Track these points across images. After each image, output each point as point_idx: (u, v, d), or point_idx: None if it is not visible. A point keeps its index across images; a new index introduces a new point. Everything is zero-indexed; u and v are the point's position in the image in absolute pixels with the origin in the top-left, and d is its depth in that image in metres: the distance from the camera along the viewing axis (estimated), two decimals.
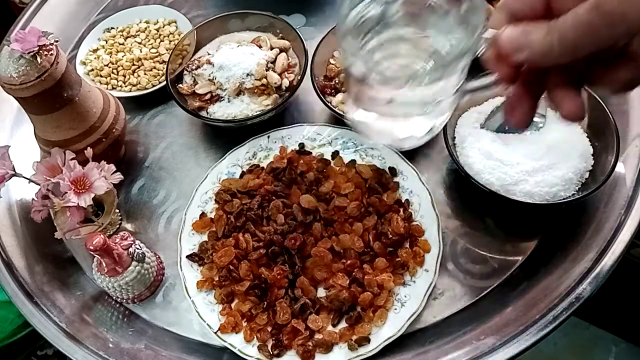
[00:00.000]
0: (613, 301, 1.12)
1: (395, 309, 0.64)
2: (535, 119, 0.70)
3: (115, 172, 0.69)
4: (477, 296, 0.67)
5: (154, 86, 0.86)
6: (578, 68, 0.40)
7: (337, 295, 0.65)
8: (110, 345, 0.68)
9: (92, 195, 0.66)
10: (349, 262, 0.67)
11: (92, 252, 0.62)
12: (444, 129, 0.70)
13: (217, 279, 0.68)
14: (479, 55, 0.43)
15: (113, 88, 0.87)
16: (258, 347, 0.64)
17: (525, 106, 0.44)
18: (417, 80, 0.43)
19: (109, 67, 0.88)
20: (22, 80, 0.65)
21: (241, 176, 0.76)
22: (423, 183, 0.71)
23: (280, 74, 0.79)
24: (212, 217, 0.73)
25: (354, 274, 0.66)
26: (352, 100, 0.52)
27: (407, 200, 0.71)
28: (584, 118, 0.40)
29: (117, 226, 0.77)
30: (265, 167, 0.75)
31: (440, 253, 0.66)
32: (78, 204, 0.65)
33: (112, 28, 0.93)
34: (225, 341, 0.65)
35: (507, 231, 0.71)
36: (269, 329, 0.65)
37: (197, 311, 0.67)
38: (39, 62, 0.65)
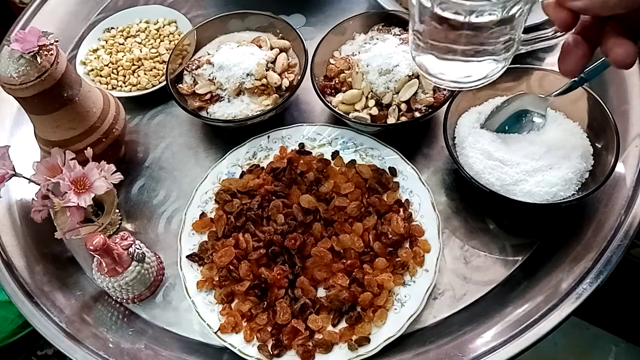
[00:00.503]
0: (613, 301, 1.12)
1: (395, 309, 0.64)
2: (535, 119, 0.71)
3: (115, 172, 0.69)
4: (477, 296, 0.67)
5: (154, 86, 0.86)
6: (635, 21, 0.42)
7: (337, 295, 0.65)
8: (110, 345, 0.68)
9: (92, 195, 0.66)
10: (349, 262, 0.67)
11: (92, 252, 0.62)
12: (444, 128, 0.70)
13: (217, 279, 0.68)
14: (539, 0, 0.46)
15: (113, 88, 0.87)
16: (258, 347, 0.64)
17: (579, 53, 0.46)
18: (480, 12, 0.46)
19: (109, 67, 0.88)
20: (22, 80, 0.65)
21: (241, 176, 0.76)
22: (423, 183, 0.71)
23: (280, 74, 0.79)
24: (212, 217, 0.73)
25: (354, 274, 0.66)
26: (414, 43, 0.57)
27: (407, 200, 0.71)
28: (633, 65, 0.43)
29: (117, 226, 0.77)
30: (265, 167, 0.75)
31: (440, 253, 0.66)
32: (78, 204, 0.65)
33: (112, 28, 0.93)
34: (225, 341, 0.65)
35: (507, 231, 0.71)
36: (269, 329, 0.65)
37: (197, 311, 0.67)
38: (39, 62, 0.65)
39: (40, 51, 0.65)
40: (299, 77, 0.79)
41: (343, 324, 0.65)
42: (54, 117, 0.70)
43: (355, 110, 0.75)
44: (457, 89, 0.70)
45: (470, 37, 0.50)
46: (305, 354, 0.63)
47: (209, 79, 0.80)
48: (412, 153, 0.75)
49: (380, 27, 0.80)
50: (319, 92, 0.76)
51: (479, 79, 0.57)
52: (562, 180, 0.66)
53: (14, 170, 0.67)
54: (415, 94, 0.73)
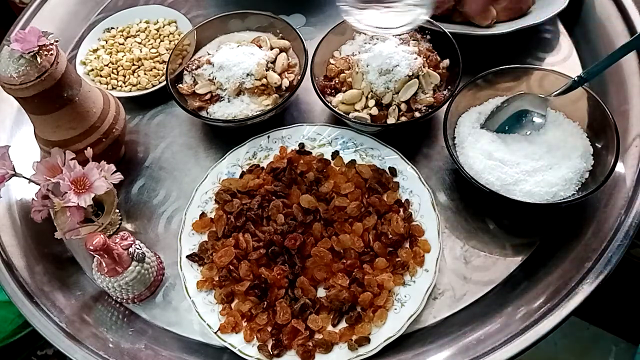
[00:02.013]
0: (613, 301, 1.12)
1: (395, 309, 0.64)
2: (535, 119, 0.71)
3: (115, 172, 0.69)
4: (477, 296, 0.67)
5: (154, 86, 0.86)
6: None
7: (337, 295, 0.65)
8: (110, 345, 0.68)
9: (92, 195, 0.66)
10: (349, 262, 0.67)
11: (92, 252, 0.62)
12: (444, 128, 0.70)
13: (217, 279, 0.68)
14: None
15: (113, 88, 0.87)
16: (258, 347, 0.64)
17: None
18: None
19: (109, 67, 0.88)
20: (22, 80, 0.65)
21: (241, 176, 0.76)
22: (423, 183, 0.71)
23: (280, 74, 0.79)
24: (212, 217, 0.73)
25: (354, 274, 0.66)
26: None
27: (407, 200, 0.71)
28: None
29: (117, 226, 0.77)
30: (265, 167, 0.75)
31: (440, 253, 0.66)
32: (78, 204, 0.65)
33: (112, 28, 0.93)
34: (225, 341, 0.65)
35: (507, 231, 0.71)
36: (269, 329, 0.65)
37: (197, 311, 0.67)
38: (39, 62, 0.65)
39: (40, 51, 0.65)
40: (299, 77, 0.79)
41: (343, 324, 0.65)
42: (54, 117, 0.70)
43: (355, 110, 0.75)
44: (385, 35, 0.73)
45: None
46: (305, 354, 0.63)
47: (209, 79, 0.80)
48: (412, 153, 0.75)
49: None
50: (319, 92, 0.76)
51: (404, 25, 0.66)
52: (562, 180, 0.66)
53: (14, 170, 0.67)
54: (415, 94, 0.73)
